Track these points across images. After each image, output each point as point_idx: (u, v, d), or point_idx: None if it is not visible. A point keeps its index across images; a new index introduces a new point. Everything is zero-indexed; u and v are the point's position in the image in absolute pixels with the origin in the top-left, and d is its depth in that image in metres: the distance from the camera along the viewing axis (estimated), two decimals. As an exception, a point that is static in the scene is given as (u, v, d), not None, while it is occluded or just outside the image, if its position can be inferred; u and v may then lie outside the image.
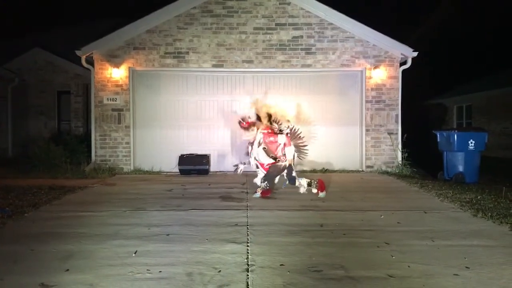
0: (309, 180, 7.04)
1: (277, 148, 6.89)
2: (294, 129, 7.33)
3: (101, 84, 10.36)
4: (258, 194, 6.96)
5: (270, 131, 6.95)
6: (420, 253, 4.09)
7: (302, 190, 6.97)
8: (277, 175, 7.03)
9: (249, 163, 7.23)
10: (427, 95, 21.83)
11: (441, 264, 3.77)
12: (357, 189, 7.95)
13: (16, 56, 14.12)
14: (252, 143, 7.05)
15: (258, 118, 7.17)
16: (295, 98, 10.41)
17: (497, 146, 15.18)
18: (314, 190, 6.97)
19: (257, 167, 7.09)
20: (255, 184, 7.17)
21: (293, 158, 6.99)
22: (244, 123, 6.97)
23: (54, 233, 4.74)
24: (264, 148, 6.93)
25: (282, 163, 6.89)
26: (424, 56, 11.06)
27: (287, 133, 7.00)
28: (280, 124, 7.10)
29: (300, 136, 7.46)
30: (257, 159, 6.99)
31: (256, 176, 7.20)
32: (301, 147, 7.48)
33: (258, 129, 6.95)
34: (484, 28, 25.47)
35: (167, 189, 7.86)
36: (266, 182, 6.95)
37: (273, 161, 6.91)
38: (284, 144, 6.86)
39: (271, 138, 6.88)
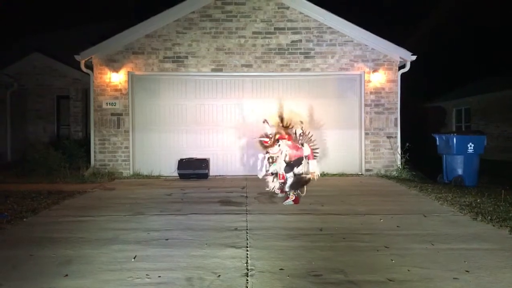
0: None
1: (297, 154, 6.83)
2: (307, 132, 7.16)
3: (100, 88, 10.36)
4: (290, 202, 6.74)
5: (292, 142, 6.84)
6: (419, 256, 4.08)
7: (271, 185, 6.94)
8: (299, 187, 6.90)
9: (268, 171, 7.03)
10: (426, 98, 21.88)
11: (441, 268, 3.77)
12: (356, 192, 7.94)
13: (15, 61, 14.15)
14: (269, 155, 6.89)
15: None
16: (294, 102, 10.40)
17: (496, 149, 15.20)
18: (290, 199, 6.76)
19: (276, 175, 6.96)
20: (273, 191, 7.04)
21: (314, 174, 6.89)
22: (268, 141, 6.81)
23: (53, 238, 4.73)
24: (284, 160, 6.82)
25: (306, 176, 6.84)
26: (423, 59, 11.07)
27: (309, 144, 6.97)
28: (292, 127, 6.98)
29: (311, 139, 7.25)
30: (279, 171, 6.85)
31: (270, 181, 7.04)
32: (313, 150, 7.22)
33: (281, 139, 6.78)
34: (483, 31, 25.55)
35: (166, 193, 7.85)
36: (297, 190, 6.85)
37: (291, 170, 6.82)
38: (308, 157, 6.86)
39: (296, 152, 6.81)
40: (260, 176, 7.12)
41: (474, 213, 5.88)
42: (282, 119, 6.97)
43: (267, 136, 6.92)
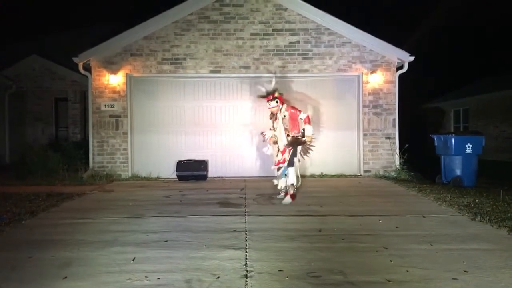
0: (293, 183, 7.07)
1: (295, 124, 7.10)
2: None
3: (99, 90, 10.36)
4: (289, 200, 6.88)
5: (290, 107, 7.28)
6: (418, 257, 4.09)
7: (276, 182, 7.30)
8: (298, 147, 7.14)
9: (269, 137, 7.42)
10: (424, 99, 21.91)
11: (440, 268, 3.78)
12: (355, 193, 7.94)
13: (13, 63, 14.12)
14: (275, 116, 7.24)
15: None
16: (292, 103, 10.41)
17: (494, 150, 15.21)
18: (289, 196, 6.94)
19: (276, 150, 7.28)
20: (276, 185, 7.30)
21: (311, 137, 7.19)
22: (270, 96, 7.24)
23: (52, 240, 4.73)
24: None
25: (303, 138, 7.11)
26: (421, 60, 11.08)
27: (307, 115, 7.25)
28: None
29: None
30: (278, 137, 7.13)
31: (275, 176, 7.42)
32: (309, 146, 7.40)
33: (282, 103, 7.21)
34: (481, 32, 25.60)
35: (165, 195, 7.85)
36: (293, 184, 7.03)
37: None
38: (304, 121, 7.10)
39: (293, 111, 7.14)
40: (268, 153, 7.60)
41: (473, 214, 5.89)
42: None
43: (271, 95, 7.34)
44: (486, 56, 24.81)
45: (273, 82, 7.54)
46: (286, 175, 7.12)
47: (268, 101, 7.26)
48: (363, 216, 5.93)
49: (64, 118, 14.65)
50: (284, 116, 7.14)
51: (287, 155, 7.02)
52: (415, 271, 3.72)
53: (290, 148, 7.02)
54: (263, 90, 7.51)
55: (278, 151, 7.19)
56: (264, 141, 7.63)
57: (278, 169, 7.26)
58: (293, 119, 7.10)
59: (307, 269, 3.77)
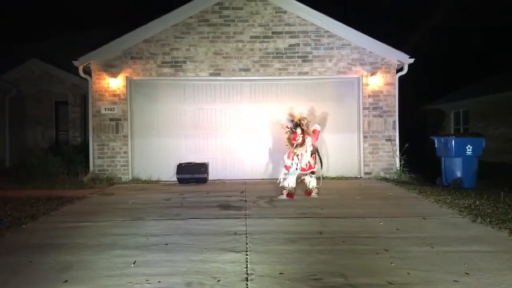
0: (292, 186, 7.67)
1: (317, 138, 7.93)
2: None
3: (99, 94, 10.37)
4: (284, 196, 7.60)
5: (310, 134, 7.77)
6: (419, 259, 4.08)
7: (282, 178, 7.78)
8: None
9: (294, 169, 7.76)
10: (424, 100, 21.92)
11: (441, 271, 3.77)
12: (355, 196, 7.94)
13: (13, 67, 14.14)
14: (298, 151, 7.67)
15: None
16: (292, 106, 10.42)
17: (494, 151, 15.19)
18: (284, 193, 7.62)
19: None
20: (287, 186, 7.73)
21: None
22: (298, 140, 7.60)
23: (53, 244, 4.72)
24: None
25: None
26: (421, 61, 11.08)
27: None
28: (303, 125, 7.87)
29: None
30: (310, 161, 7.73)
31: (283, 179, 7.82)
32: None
33: (307, 136, 7.64)
34: (480, 33, 25.64)
35: (165, 198, 7.84)
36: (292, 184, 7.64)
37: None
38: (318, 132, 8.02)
39: (314, 134, 7.79)
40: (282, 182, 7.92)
41: (473, 215, 5.89)
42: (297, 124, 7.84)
43: (292, 132, 7.79)
44: (485, 57, 24.81)
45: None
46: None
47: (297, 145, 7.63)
48: (363, 218, 5.92)
49: (64, 122, 14.66)
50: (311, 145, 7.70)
51: (312, 162, 7.78)
52: (416, 273, 3.71)
53: (314, 155, 7.80)
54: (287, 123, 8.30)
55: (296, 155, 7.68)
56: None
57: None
58: (316, 137, 7.84)
59: (308, 271, 3.77)
